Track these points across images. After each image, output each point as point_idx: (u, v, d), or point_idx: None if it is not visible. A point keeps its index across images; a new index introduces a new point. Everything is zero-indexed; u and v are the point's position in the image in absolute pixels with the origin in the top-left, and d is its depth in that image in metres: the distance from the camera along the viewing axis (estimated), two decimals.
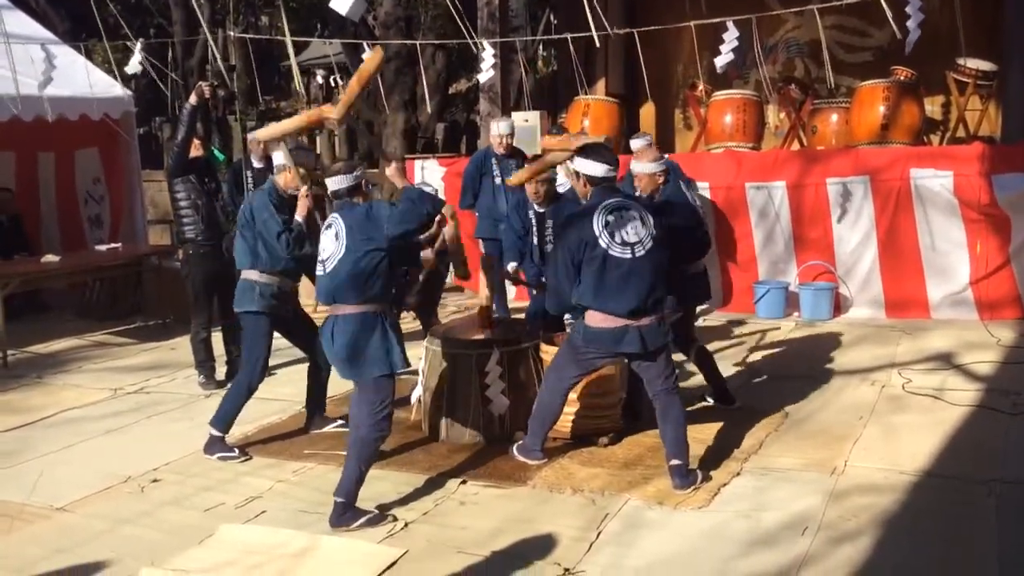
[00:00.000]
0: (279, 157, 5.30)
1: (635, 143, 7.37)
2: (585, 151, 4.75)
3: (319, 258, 4.49)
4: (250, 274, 5.34)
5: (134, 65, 8.28)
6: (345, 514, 4.28)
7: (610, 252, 4.47)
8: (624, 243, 4.49)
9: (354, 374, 4.45)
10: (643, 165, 5.58)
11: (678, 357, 6.37)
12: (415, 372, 5.61)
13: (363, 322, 4.38)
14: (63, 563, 4.05)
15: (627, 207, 4.59)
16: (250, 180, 7.78)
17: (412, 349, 6.23)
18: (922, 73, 9.63)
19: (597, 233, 4.49)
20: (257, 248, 5.29)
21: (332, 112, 4.93)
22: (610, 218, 4.51)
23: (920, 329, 7.55)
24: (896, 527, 4.12)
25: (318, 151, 18.13)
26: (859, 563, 3.81)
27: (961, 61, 9.34)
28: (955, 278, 7.77)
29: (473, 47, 8.65)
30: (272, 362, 6.54)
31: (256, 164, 7.73)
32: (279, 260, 5.26)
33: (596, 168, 4.64)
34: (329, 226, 4.48)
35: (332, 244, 4.41)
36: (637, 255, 4.50)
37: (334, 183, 4.50)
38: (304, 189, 5.21)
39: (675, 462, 4.58)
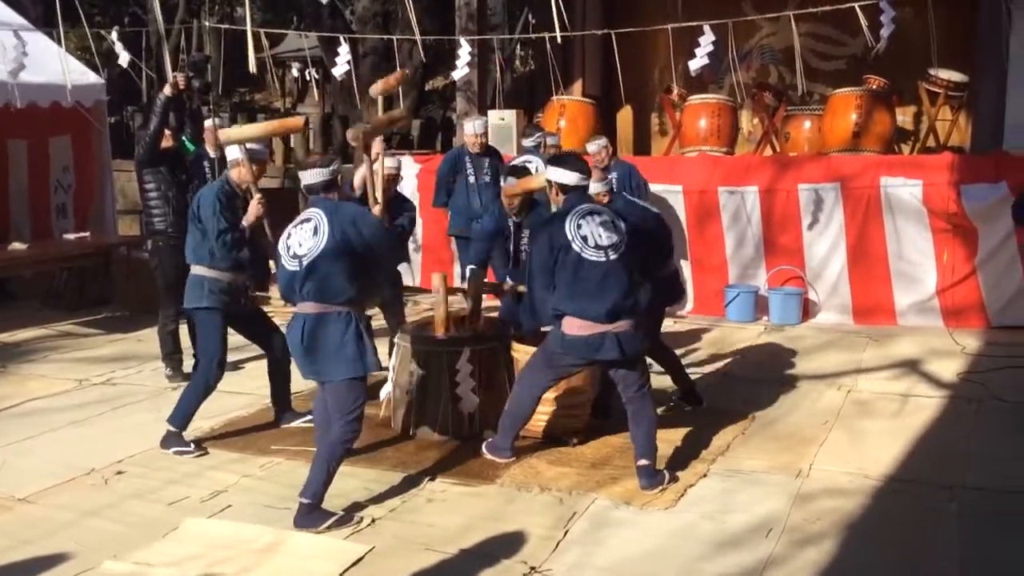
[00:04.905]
0: (233, 152, 5.25)
1: (591, 146, 7.40)
2: (557, 160, 4.85)
3: (291, 253, 4.33)
4: (199, 269, 5.28)
5: (124, 57, 8.21)
6: (311, 514, 4.22)
7: (584, 255, 4.51)
8: (598, 247, 4.53)
9: (324, 374, 4.36)
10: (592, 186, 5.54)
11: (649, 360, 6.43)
12: (384, 368, 5.61)
13: (336, 322, 4.29)
14: (26, 554, 4.01)
15: (599, 211, 4.66)
16: (207, 169, 7.76)
17: (379, 347, 6.26)
18: (894, 83, 9.74)
19: (570, 237, 4.53)
20: (205, 243, 5.23)
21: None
22: (582, 222, 4.56)
23: (887, 335, 7.63)
24: (859, 531, 4.17)
25: (291, 144, 18.02)
26: (822, 566, 3.85)
27: (933, 72, 9.45)
28: (922, 286, 7.86)
29: (420, 50, 8.61)
30: (239, 356, 6.56)
31: (211, 153, 7.71)
32: (224, 257, 5.23)
33: (568, 177, 4.70)
34: (307, 220, 4.35)
35: (310, 239, 4.27)
36: (611, 258, 4.53)
37: (309, 177, 4.41)
38: (258, 196, 5.21)
39: (643, 462, 4.61)
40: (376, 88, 5.37)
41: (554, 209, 4.82)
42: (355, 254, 4.30)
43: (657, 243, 5.45)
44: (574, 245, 4.51)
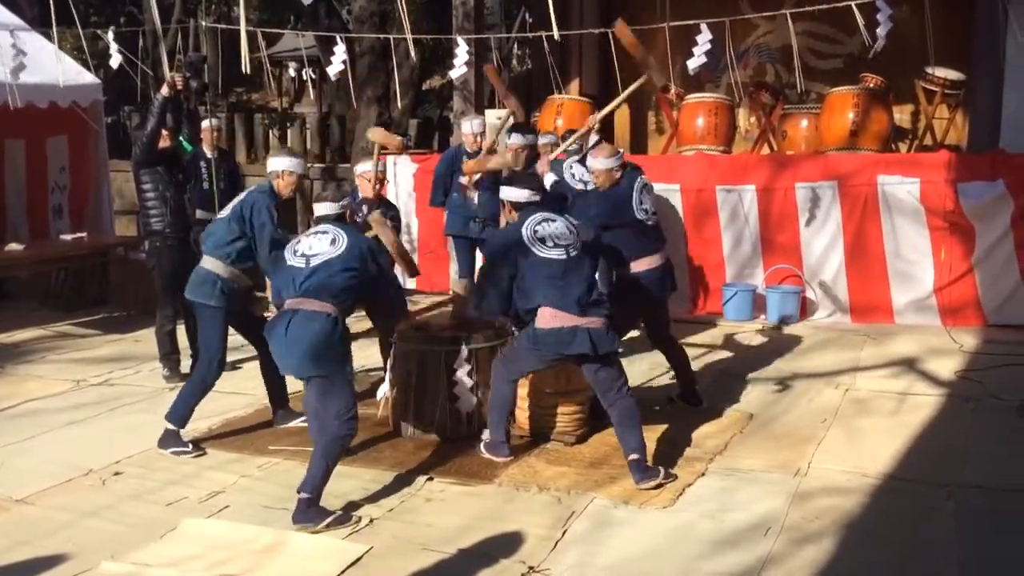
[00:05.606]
0: (272, 164, 5.33)
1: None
2: (508, 180, 5.23)
3: (299, 253, 4.57)
4: (215, 265, 5.27)
5: (116, 58, 8.21)
6: (309, 511, 4.24)
7: (543, 255, 4.75)
8: (557, 245, 4.79)
9: (312, 371, 4.46)
10: (600, 161, 5.67)
11: (649, 355, 6.43)
12: (382, 368, 5.61)
13: (327, 321, 4.42)
14: (24, 555, 4.01)
15: (552, 219, 4.91)
16: (204, 169, 7.75)
17: (370, 348, 6.25)
18: (891, 81, 9.73)
19: (529, 244, 4.78)
20: (237, 241, 5.24)
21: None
22: (538, 228, 4.84)
23: (884, 334, 7.63)
24: (858, 529, 4.17)
25: (289, 143, 18.00)
26: (821, 564, 3.85)
27: (930, 70, 9.45)
28: (920, 284, 7.86)
29: (410, 46, 8.63)
30: (238, 356, 6.56)
31: (209, 154, 7.71)
32: (251, 257, 5.27)
33: (519, 195, 5.01)
34: (324, 232, 4.63)
35: (326, 247, 4.55)
36: (571, 255, 4.78)
37: (321, 208, 4.78)
38: None
39: (633, 457, 4.62)
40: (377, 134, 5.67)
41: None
42: (364, 270, 4.57)
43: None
44: (533, 249, 4.76)
